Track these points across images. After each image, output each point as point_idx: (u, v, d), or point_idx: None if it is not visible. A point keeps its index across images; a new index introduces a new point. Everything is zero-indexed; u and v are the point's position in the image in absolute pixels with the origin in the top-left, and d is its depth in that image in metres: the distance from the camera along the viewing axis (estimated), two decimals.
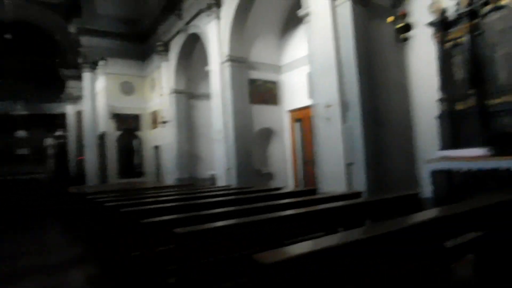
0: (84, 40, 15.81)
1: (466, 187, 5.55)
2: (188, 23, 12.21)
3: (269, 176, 10.21)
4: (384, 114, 6.42)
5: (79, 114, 21.09)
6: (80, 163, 19.64)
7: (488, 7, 5.76)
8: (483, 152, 5.34)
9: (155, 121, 15.88)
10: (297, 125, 10.04)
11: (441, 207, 3.63)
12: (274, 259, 1.38)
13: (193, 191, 7.35)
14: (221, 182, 10.04)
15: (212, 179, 11.61)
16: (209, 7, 10.52)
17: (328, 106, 6.25)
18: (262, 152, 10.24)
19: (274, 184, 9.80)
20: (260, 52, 10.39)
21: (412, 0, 7.16)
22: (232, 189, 7.65)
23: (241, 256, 2.70)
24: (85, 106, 17.71)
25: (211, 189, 7.79)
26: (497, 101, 5.61)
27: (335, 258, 1.71)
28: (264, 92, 10.31)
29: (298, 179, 10.02)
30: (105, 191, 8.75)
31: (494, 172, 5.13)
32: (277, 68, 10.64)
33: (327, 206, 3.99)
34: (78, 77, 18.47)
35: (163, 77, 14.37)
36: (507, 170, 4.91)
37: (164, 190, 8.54)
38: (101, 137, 16.37)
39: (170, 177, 13.76)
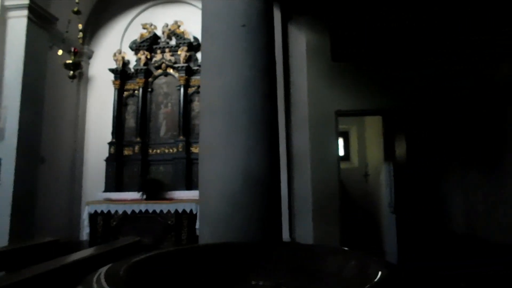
0: None
1: (122, 227, 5.82)
2: None
3: None
4: (49, 150, 5.86)
5: None
6: None
7: (160, 71, 6.74)
8: (138, 196, 5.84)
9: None
10: None
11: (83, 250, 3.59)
12: None
13: None
14: None
15: None
16: None
17: None
18: None
19: None
20: None
21: (102, 42, 7.34)
22: None
23: None
24: None
25: None
26: (156, 151, 6.44)
27: None
28: None
29: None
30: None
31: (147, 213, 5.70)
32: None
33: None
34: None
35: None
36: (154, 211, 5.59)
37: None
38: None
39: None
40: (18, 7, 5.56)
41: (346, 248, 1.21)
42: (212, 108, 2.38)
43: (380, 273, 0.95)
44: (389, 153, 5.34)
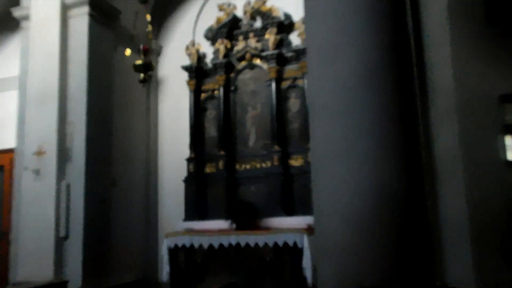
0: None
1: (208, 265, 6.21)
2: None
3: None
4: (121, 170, 6.60)
5: None
6: None
7: (244, 63, 7.08)
8: (227, 225, 6.20)
9: None
10: None
11: None
12: None
13: None
14: None
15: None
16: None
17: (40, 153, 5.90)
18: None
19: None
20: None
21: (172, 35, 8.01)
22: None
23: None
24: None
25: None
26: (245, 166, 6.77)
27: None
28: None
29: None
30: None
31: (238, 246, 5.96)
32: None
33: None
34: None
35: None
36: (247, 244, 5.84)
37: None
38: None
39: None
40: (79, 3, 6.35)
41: None
42: (326, 106, 2.48)
43: None
44: None
